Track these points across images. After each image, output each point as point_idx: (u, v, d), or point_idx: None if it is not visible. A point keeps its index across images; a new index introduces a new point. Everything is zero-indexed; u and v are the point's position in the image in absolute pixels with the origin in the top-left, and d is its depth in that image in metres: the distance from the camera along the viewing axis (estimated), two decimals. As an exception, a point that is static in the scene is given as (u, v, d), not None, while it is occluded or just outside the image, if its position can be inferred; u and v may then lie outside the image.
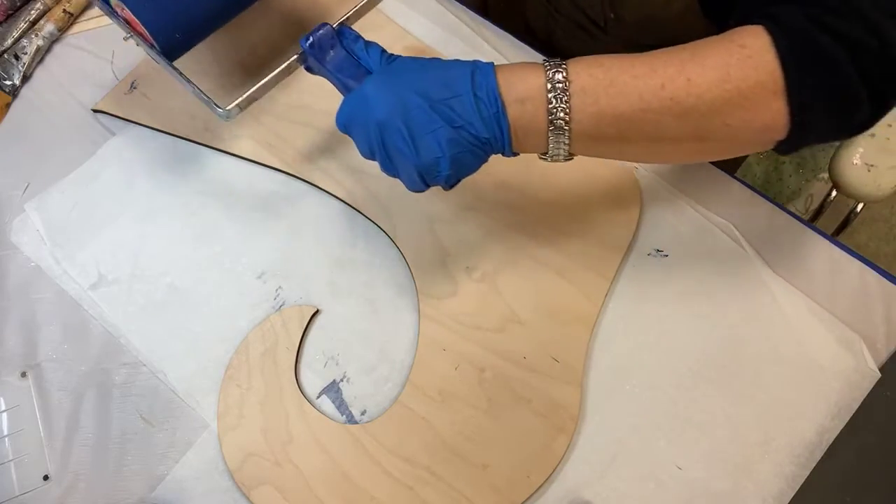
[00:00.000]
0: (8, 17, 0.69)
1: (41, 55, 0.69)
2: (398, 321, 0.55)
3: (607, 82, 0.40)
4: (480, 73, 0.42)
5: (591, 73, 0.41)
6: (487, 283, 0.55)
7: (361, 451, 0.51)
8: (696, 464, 0.49)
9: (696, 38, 0.60)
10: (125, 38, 0.49)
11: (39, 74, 0.68)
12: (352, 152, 0.61)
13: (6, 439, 0.54)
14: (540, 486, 0.49)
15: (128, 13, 0.47)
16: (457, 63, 0.43)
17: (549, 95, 0.40)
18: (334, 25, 0.47)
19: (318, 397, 0.54)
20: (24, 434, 0.54)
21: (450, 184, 0.44)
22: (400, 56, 0.45)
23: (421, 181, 0.44)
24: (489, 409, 0.51)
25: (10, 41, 0.68)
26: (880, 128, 0.63)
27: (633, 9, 0.61)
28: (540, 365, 0.52)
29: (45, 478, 0.52)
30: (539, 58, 0.65)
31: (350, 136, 0.45)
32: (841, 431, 0.50)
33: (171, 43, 0.47)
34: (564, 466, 0.50)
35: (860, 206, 0.78)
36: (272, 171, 0.61)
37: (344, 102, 0.45)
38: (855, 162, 0.62)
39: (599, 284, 0.54)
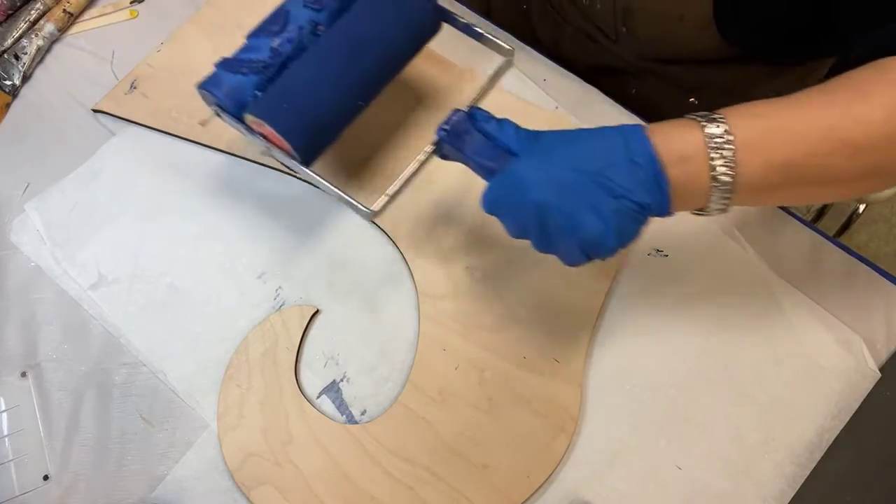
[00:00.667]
0: (8, 17, 0.69)
1: (41, 55, 0.68)
2: (398, 321, 0.55)
3: (770, 131, 0.39)
4: (633, 138, 0.40)
5: (750, 123, 0.39)
6: (487, 283, 0.55)
7: (361, 451, 0.51)
8: (696, 464, 0.49)
9: (711, 54, 0.60)
10: (262, 153, 0.49)
11: (39, 74, 0.68)
12: (351, 152, 0.61)
13: (6, 439, 0.54)
14: (540, 486, 0.49)
15: (267, 129, 0.47)
16: (604, 130, 0.41)
17: (711, 152, 0.39)
18: (465, 109, 0.45)
19: (318, 397, 0.54)
20: (24, 434, 0.54)
21: (612, 254, 0.42)
22: (541, 132, 0.44)
23: (583, 255, 0.41)
24: (489, 409, 0.51)
25: (10, 41, 0.68)
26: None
27: (645, 24, 0.60)
28: (540, 365, 0.52)
29: (45, 478, 0.52)
30: (540, 59, 0.65)
31: (498, 217, 0.44)
32: (841, 431, 0.50)
33: (310, 152, 0.47)
34: (564, 466, 0.50)
35: (862, 206, 0.78)
36: (272, 171, 0.61)
37: (491, 186, 0.43)
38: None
39: (599, 284, 0.54)
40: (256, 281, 0.57)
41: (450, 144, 0.45)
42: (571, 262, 0.43)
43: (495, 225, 0.57)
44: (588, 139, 0.41)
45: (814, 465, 0.49)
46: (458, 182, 0.59)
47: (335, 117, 0.49)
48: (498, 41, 0.51)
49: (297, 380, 0.54)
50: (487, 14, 0.68)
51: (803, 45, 0.57)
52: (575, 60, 0.70)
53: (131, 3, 0.71)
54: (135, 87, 0.65)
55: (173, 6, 0.70)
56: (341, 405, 0.53)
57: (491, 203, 0.43)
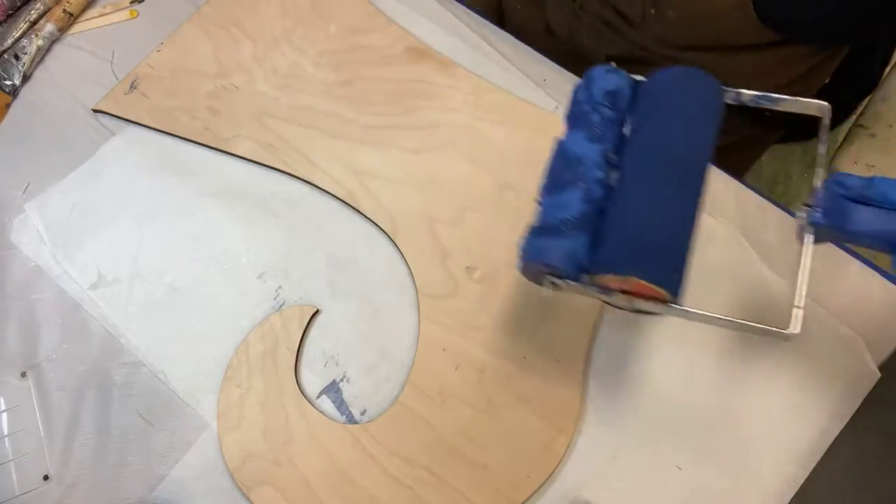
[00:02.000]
0: (8, 17, 0.69)
1: (41, 55, 0.68)
2: (398, 321, 0.55)
3: None
4: None
5: None
6: (487, 283, 0.55)
7: (361, 451, 0.51)
8: (696, 464, 0.49)
9: (740, 38, 0.58)
10: (626, 308, 0.43)
11: (39, 74, 0.68)
12: (352, 153, 0.61)
13: (6, 439, 0.54)
14: (540, 486, 0.49)
15: (631, 281, 0.41)
16: None
17: None
18: (826, 181, 0.40)
19: (318, 397, 0.54)
20: (24, 434, 0.54)
21: None
22: None
23: None
24: (489, 409, 0.51)
25: (10, 41, 0.68)
26: (881, 128, 0.63)
27: (678, 5, 0.58)
28: (540, 365, 0.52)
29: (45, 478, 0.52)
30: (540, 58, 0.65)
31: None
32: (841, 431, 0.50)
33: (679, 285, 0.41)
34: (564, 466, 0.50)
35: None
36: (272, 171, 0.61)
37: None
38: (855, 163, 0.62)
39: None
40: (256, 281, 0.57)
41: (828, 227, 0.40)
42: None
43: (496, 225, 0.57)
44: None
45: (814, 464, 0.49)
46: (459, 182, 0.59)
47: (682, 238, 0.43)
48: (803, 100, 0.44)
49: (297, 380, 0.54)
50: (499, 10, 0.67)
51: (837, 27, 0.56)
52: (591, 50, 0.70)
53: (131, 3, 0.71)
54: (135, 87, 0.65)
55: (173, 6, 0.70)
56: (341, 405, 0.53)
57: None
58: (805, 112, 0.44)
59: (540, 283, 0.46)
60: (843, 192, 0.39)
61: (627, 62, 0.68)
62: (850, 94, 0.68)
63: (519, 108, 0.62)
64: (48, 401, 0.55)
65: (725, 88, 0.46)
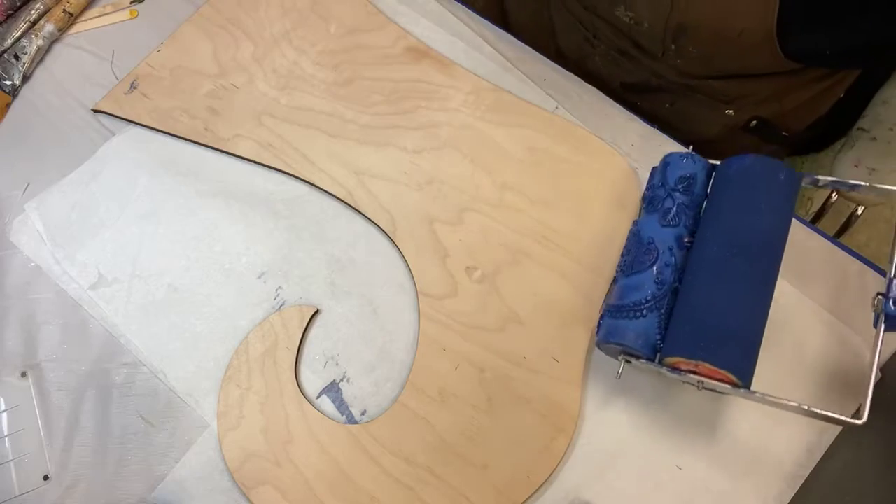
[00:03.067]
0: (8, 17, 0.69)
1: (41, 55, 0.68)
2: (398, 321, 0.55)
3: None
4: None
5: None
6: (487, 283, 0.55)
7: (361, 451, 0.51)
8: (696, 464, 0.49)
9: (762, 68, 0.57)
10: (699, 387, 0.44)
11: (39, 74, 0.68)
12: (352, 153, 0.61)
13: (6, 439, 0.54)
14: (540, 486, 0.49)
15: (702, 366, 0.43)
16: None
17: None
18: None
19: (318, 397, 0.54)
20: (24, 434, 0.54)
21: None
22: None
23: None
24: (489, 409, 0.51)
25: (10, 41, 0.68)
26: (882, 131, 0.62)
27: (700, 43, 0.58)
28: (540, 365, 0.52)
29: (45, 478, 0.52)
30: (540, 59, 0.65)
31: None
32: (841, 431, 0.50)
33: (749, 371, 0.43)
34: (564, 466, 0.50)
35: (861, 209, 0.78)
36: (272, 171, 0.61)
37: None
38: (856, 166, 0.62)
39: (599, 285, 0.54)
40: (256, 281, 0.57)
41: None
42: None
43: (496, 225, 0.57)
44: None
45: (814, 464, 0.49)
46: (459, 181, 0.59)
47: (753, 325, 0.44)
48: (881, 187, 0.45)
49: (297, 380, 0.54)
50: (505, 28, 0.67)
51: (862, 56, 0.56)
52: (604, 77, 0.69)
53: (131, 3, 0.71)
54: (135, 87, 0.65)
55: (173, 6, 0.70)
56: (341, 405, 0.53)
57: None
58: (884, 200, 0.44)
59: (615, 358, 0.49)
60: None
61: (643, 89, 0.68)
62: (861, 105, 0.68)
63: (519, 108, 0.62)
64: (48, 401, 0.55)
65: (802, 174, 0.47)
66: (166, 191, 0.61)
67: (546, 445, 0.50)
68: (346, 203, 0.59)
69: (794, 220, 0.56)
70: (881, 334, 0.40)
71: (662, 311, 0.46)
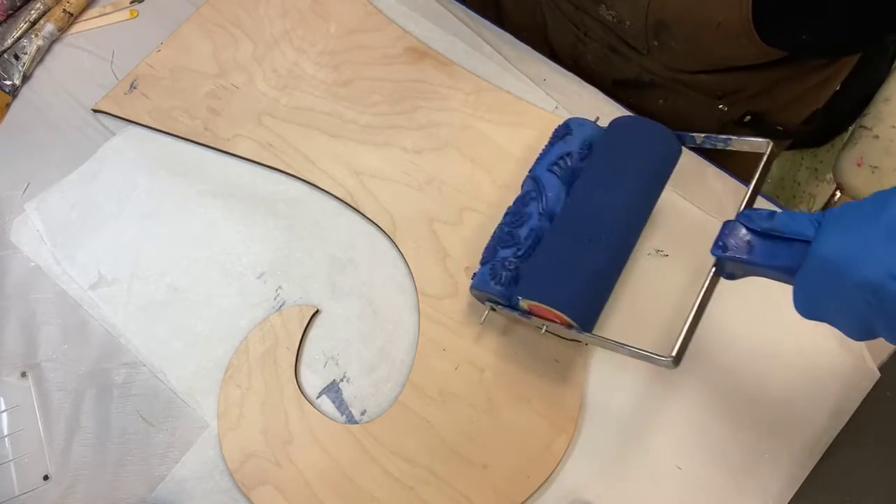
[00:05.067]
0: (8, 17, 0.69)
1: (41, 55, 0.68)
2: (398, 321, 0.55)
3: None
4: None
5: None
6: (487, 283, 0.55)
7: (361, 451, 0.51)
8: (696, 464, 0.49)
9: (747, 59, 0.58)
10: (542, 331, 0.49)
11: (39, 74, 0.68)
12: (352, 153, 0.61)
13: (6, 439, 0.54)
14: (540, 486, 0.49)
15: (542, 308, 0.46)
16: None
17: None
18: (735, 218, 0.41)
19: (318, 397, 0.54)
20: (24, 434, 0.54)
21: None
22: (832, 208, 0.37)
23: None
24: (489, 409, 0.51)
25: (10, 41, 0.68)
26: (885, 129, 0.62)
27: (680, 37, 0.58)
28: (540, 365, 0.52)
29: (45, 478, 0.52)
30: (540, 58, 0.65)
31: (824, 319, 0.37)
32: (841, 431, 0.50)
33: (586, 316, 0.46)
34: (564, 466, 0.50)
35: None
36: (272, 171, 0.61)
37: (799, 285, 0.37)
38: (859, 164, 0.62)
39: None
40: (256, 281, 0.57)
41: (732, 260, 0.41)
42: None
43: (495, 225, 0.57)
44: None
45: (814, 465, 0.49)
46: (459, 181, 0.59)
47: (600, 278, 0.47)
48: (749, 139, 0.47)
49: (297, 380, 0.54)
50: (501, 27, 0.67)
51: (843, 42, 0.56)
52: (598, 75, 0.69)
53: (131, 3, 0.71)
54: (135, 87, 0.65)
55: (173, 6, 0.70)
56: (341, 405, 0.53)
57: (807, 304, 0.37)
58: (752, 150, 0.46)
59: (483, 304, 0.52)
60: (750, 226, 0.40)
61: (635, 86, 0.68)
62: (860, 99, 0.68)
63: (519, 108, 0.62)
64: (48, 401, 0.55)
65: (679, 133, 0.50)
66: (166, 191, 0.61)
67: (546, 445, 0.50)
68: (346, 203, 0.59)
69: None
70: (708, 276, 0.42)
71: (523, 259, 0.49)
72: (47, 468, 0.53)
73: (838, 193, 0.75)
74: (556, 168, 0.52)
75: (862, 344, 0.51)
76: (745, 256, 0.39)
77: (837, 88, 0.66)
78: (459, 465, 0.50)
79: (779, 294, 0.53)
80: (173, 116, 0.64)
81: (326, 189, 0.60)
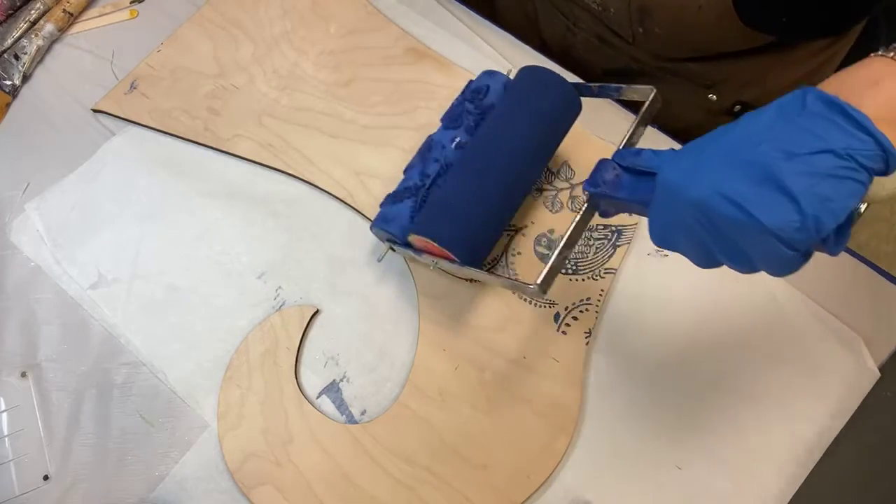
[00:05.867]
0: (8, 17, 0.69)
1: (41, 55, 0.68)
2: (398, 321, 0.55)
3: None
4: (794, 96, 0.33)
5: None
6: (487, 283, 0.55)
7: (361, 451, 0.51)
8: (696, 464, 0.49)
9: (731, 45, 0.59)
10: (431, 268, 0.52)
11: (39, 74, 0.68)
12: (352, 153, 0.61)
13: (6, 439, 0.54)
14: (540, 486, 0.49)
15: (429, 243, 0.49)
16: (758, 109, 0.35)
17: None
18: (611, 157, 0.42)
19: (318, 397, 0.54)
20: (24, 434, 0.54)
21: (832, 232, 0.32)
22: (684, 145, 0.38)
23: (789, 248, 0.31)
24: (489, 409, 0.51)
25: (10, 41, 0.68)
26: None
27: (663, 23, 0.58)
28: (540, 365, 0.52)
29: (45, 478, 0.52)
30: (539, 56, 0.65)
31: (673, 248, 0.37)
32: (841, 431, 0.50)
33: (469, 253, 0.49)
34: (564, 466, 0.50)
35: (864, 206, 0.78)
36: (272, 171, 0.61)
37: (650, 215, 0.38)
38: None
39: (599, 284, 0.54)
40: (256, 281, 0.57)
41: (601, 196, 0.42)
42: (784, 265, 0.33)
43: (495, 225, 0.57)
44: (741, 121, 0.34)
45: (814, 465, 0.49)
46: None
47: (486, 216, 0.50)
48: (636, 87, 0.49)
49: (297, 380, 0.54)
50: (493, 20, 0.68)
51: (822, 24, 0.56)
52: (588, 65, 0.69)
53: (131, 3, 0.71)
54: (135, 87, 0.65)
55: (173, 6, 0.70)
56: (341, 405, 0.53)
57: (659, 234, 0.38)
58: (640, 99, 0.48)
59: (383, 242, 0.55)
60: (619, 162, 0.41)
61: (625, 75, 0.68)
62: None
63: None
64: (48, 401, 0.55)
65: (576, 83, 0.53)
66: (166, 191, 0.61)
67: (546, 445, 0.50)
68: (346, 203, 0.59)
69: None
70: (581, 211, 0.43)
71: (419, 199, 0.52)
72: (47, 468, 0.53)
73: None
74: (461, 116, 0.55)
75: (862, 344, 0.51)
76: (610, 192, 0.41)
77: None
78: (459, 465, 0.50)
79: (780, 294, 0.53)
80: (173, 116, 0.64)
81: (326, 189, 0.60)
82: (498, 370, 0.52)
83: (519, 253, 0.56)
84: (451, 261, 0.49)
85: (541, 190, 0.58)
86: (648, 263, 0.55)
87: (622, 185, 0.41)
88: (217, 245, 0.59)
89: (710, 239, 0.34)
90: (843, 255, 0.55)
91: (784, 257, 0.32)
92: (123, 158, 0.63)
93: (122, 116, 0.64)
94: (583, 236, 0.55)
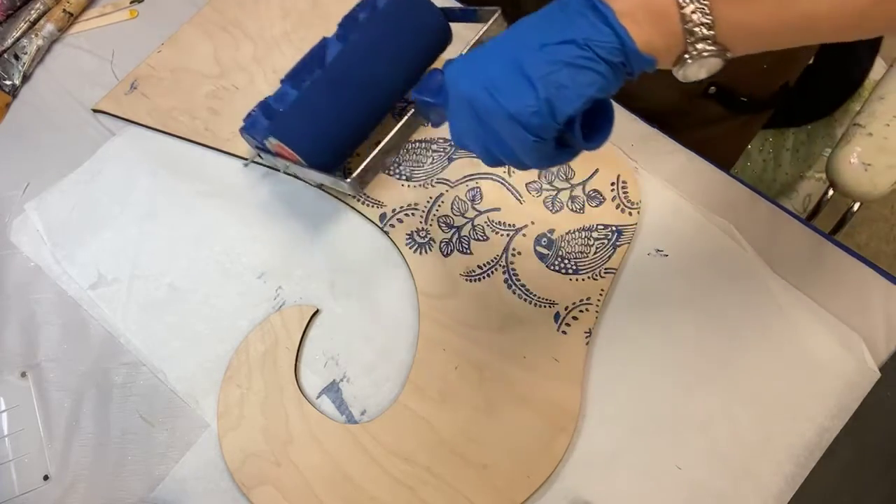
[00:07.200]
0: (8, 17, 0.69)
1: (41, 55, 0.69)
2: (398, 321, 0.55)
3: None
4: (557, 3, 0.35)
5: None
6: (487, 283, 0.55)
7: (361, 451, 0.51)
8: (696, 464, 0.49)
9: None
10: (285, 171, 0.58)
11: (39, 74, 0.68)
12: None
13: (6, 439, 0.54)
14: (540, 486, 0.49)
15: (281, 146, 0.53)
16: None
17: None
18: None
19: (318, 397, 0.54)
20: (24, 434, 0.54)
21: (573, 116, 0.33)
22: None
23: (532, 134, 0.33)
24: (489, 409, 0.51)
25: (10, 41, 0.68)
26: (878, 127, 0.62)
27: None
28: (540, 365, 0.52)
29: (45, 478, 0.52)
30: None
31: (468, 148, 0.39)
32: (841, 431, 0.50)
33: (315, 155, 0.53)
34: (564, 466, 0.50)
35: (857, 205, 0.78)
36: (272, 171, 0.61)
37: (448, 116, 0.39)
38: (852, 161, 0.62)
39: (599, 284, 0.54)
40: (256, 281, 0.57)
41: (426, 103, 0.45)
42: (530, 151, 0.34)
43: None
44: (518, 22, 0.36)
45: (814, 465, 0.49)
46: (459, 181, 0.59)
47: (337, 123, 0.53)
48: (483, 8, 0.53)
49: (297, 380, 0.54)
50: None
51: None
52: None
53: (131, 3, 0.71)
54: (135, 87, 0.65)
55: (173, 6, 0.70)
56: (341, 405, 0.53)
57: (453, 133, 0.39)
58: (487, 18, 0.52)
59: (253, 148, 0.59)
60: (444, 69, 0.41)
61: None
62: (842, 84, 0.67)
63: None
64: (48, 401, 0.55)
65: (444, 8, 0.56)
66: (166, 191, 0.61)
67: (546, 445, 0.50)
68: (346, 203, 0.59)
69: (790, 218, 0.56)
70: (406, 116, 0.49)
71: (283, 107, 0.54)
72: (47, 468, 0.53)
73: (830, 191, 0.75)
74: (339, 30, 0.57)
75: (862, 344, 0.51)
76: (431, 98, 0.44)
77: (811, 63, 0.65)
78: (459, 465, 0.50)
79: (780, 294, 0.53)
80: (173, 116, 0.64)
81: (326, 189, 0.60)
82: (498, 370, 0.52)
83: (519, 253, 0.56)
84: (299, 164, 0.52)
85: (540, 190, 0.58)
86: (648, 263, 0.55)
87: (441, 92, 0.43)
88: (217, 245, 0.59)
89: (480, 131, 0.36)
90: (843, 255, 0.55)
91: (530, 144, 0.34)
92: (123, 158, 0.63)
93: (122, 116, 0.64)
94: (571, 232, 0.55)
